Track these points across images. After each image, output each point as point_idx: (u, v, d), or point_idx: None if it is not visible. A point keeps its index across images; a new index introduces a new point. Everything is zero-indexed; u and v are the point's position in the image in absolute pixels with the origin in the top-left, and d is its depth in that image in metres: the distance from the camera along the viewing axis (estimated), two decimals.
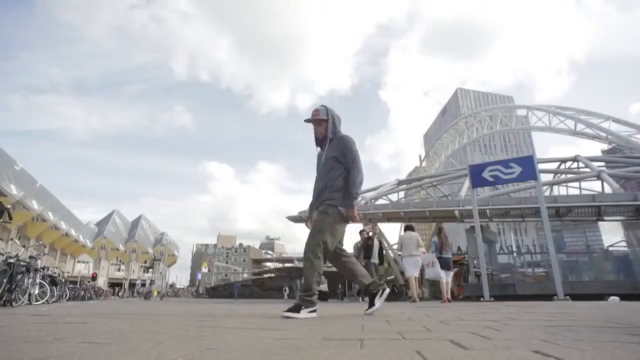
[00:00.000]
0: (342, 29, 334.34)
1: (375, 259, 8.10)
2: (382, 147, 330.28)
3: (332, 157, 2.79)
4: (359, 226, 9.19)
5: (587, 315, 2.47)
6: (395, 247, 21.73)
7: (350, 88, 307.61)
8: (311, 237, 2.68)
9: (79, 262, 48.55)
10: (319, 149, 2.91)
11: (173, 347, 1.17)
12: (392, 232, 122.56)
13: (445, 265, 7.22)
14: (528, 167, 7.95)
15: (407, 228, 8.06)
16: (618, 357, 0.95)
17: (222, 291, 39.75)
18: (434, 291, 16.03)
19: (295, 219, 20.96)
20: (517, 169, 7.94)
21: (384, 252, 9.65)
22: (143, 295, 29.54)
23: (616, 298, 6.64)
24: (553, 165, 19.21)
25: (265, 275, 51.92)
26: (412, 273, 7.41)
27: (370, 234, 8.57)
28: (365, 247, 8.16)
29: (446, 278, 7.22)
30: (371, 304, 2.75)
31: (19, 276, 5.88)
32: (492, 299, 7.25)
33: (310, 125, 2.87)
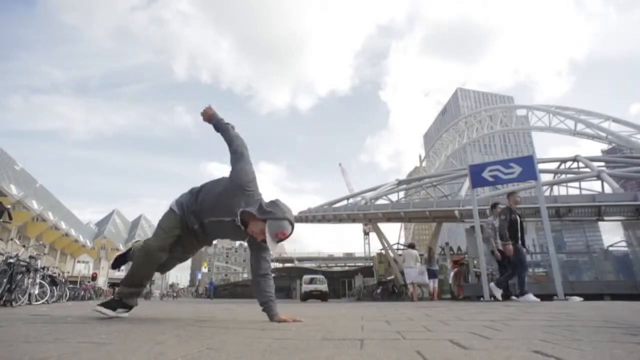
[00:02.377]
0: (343, 30, 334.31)
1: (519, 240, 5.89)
2: (382, 148, 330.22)
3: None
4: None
5: (586, 315, 2.47)
6: (394, 246, 21.77)
7: (350, 89, 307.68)
8: None
9: (79, 262, 48.52)
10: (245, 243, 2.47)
11: (173, 347, 1.17)
12: (393, 231, 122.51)
13: (432, 274, 9.93)
14: (528, 167, 7.94)
15: (409, 246, 10.65)
16: (617, 357, 0.95)
17: (222, 291, 39.82)
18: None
19: (295, 219, 20.92)
20: (517, 169, 7.92)
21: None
22: (143, 296, 29.60)
23: (577, 298, 6.70)
24: (553, 165, 19.21)
25: None
26: (412, 279, 9.62)
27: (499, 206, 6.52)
28: (510, 223, 5.97)
29: (433, 284, 9.84)
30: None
31: (19, 276, 5.87)
32: (492, 299, 7.25)
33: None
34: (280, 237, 2.12)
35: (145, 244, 2.36)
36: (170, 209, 2.43)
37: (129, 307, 2.41)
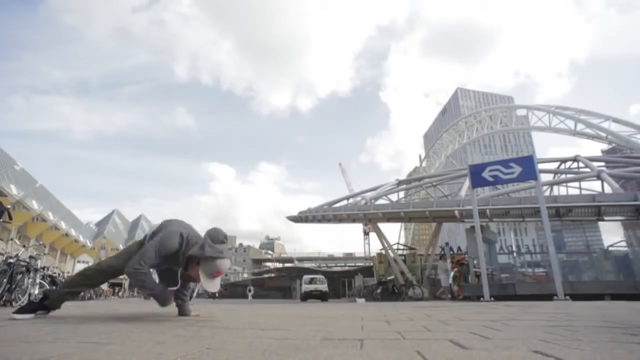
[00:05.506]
0: (343, 31, 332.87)
1: None
2: (383, 148, 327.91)
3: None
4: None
5: (586, 315, 2.47)
6: (394, 246, 21.78)
7: (351, 90, 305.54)
8: None
9: (79, 262, 48.49)
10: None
11: (173, 347, 1.17)
12: (393, 231, 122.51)
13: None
14: (528, 167, 7.94)
15: (441, 258, 14.06)
16: (617, 357, 0.95)
17: (223, 291, 39.78)
18: (434, 291, 16.06)
19: (296, 219, 20.96)
20: (517, 169, 7.92)
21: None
22: (143, 296, 29.61)
23: (360, 300, 7.14)
24: (553, 165, 19.19)
25: (265, 275, 52.05)
26: (444, 284, 11.95)
27: None
28: None
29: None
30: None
31: (19, 276, 5.87)
32: (492, 299, 7.25)
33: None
34: (216, 275, 2.30)
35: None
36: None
37: (49, 311, 2.47)
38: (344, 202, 21.03)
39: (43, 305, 2.44)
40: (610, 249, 13.11)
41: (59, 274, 10.56)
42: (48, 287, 7.28)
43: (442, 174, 22.51)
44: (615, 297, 7.65)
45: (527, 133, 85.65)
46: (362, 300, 12.60)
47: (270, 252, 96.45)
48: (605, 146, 32.85)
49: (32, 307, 2.42)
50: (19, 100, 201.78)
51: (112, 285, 43.40)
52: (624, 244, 13.20)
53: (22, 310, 2.38)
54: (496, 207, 14.73)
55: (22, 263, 6.04)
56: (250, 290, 30.01)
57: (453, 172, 22.37)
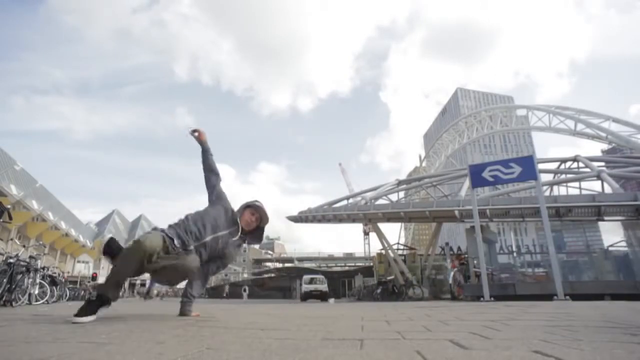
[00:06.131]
0: (343, 31, 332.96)
1: None
2: (383, 148, 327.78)
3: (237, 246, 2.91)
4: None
5: (586, 315, 2.47)
6: (394, 246, 21.77)
7: (351, 90, 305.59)
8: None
9: (79, 262, 48.51)
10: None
11: (173, 347, 1.17)
12: (393, 231, 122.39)
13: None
14: (528, 167, 7.94)
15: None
16: (617, 357, 0.95)
17: (227, 292, 39.83)
18: (434, 291, 16.06)
19: (296, 219, 20.96)
20: (517, 169, 7.92)
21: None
22: (143, 296, 29.59)
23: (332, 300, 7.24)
24: (553, 165, 19.19)
25: (265, 275, 52.08)
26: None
27: None
28: None
29: None
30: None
31: (19, 276, 5.87)
32: (492, 299, 7.25)
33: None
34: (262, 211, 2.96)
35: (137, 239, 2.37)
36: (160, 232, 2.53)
37: (108, 303, 2.33)
38: (344, 202, 21.02)
39: (101, 301, 2.27)
40: (610, 249, 13.11)
41: (58, 274, 10.56)
42: (48, 287, 7.30)
43: (442, 174, 22.50)
44: (615, 297, 7.64)
45: (527, 133, 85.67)
46: (332, 300, 16.24)
47: (270, 252, 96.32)
48: (605, 146, 32.89)
49: (92, 308, 2.20)
50: (19, 100, 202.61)
51: None
52: (624, 244, 13.20)
53: (82, 312, 2.12)
54: (496, 207, 14.73)
55: (22, 263, 6.05)
56: (245, 290, 30.09)
57: (453, 172, 22.37)
